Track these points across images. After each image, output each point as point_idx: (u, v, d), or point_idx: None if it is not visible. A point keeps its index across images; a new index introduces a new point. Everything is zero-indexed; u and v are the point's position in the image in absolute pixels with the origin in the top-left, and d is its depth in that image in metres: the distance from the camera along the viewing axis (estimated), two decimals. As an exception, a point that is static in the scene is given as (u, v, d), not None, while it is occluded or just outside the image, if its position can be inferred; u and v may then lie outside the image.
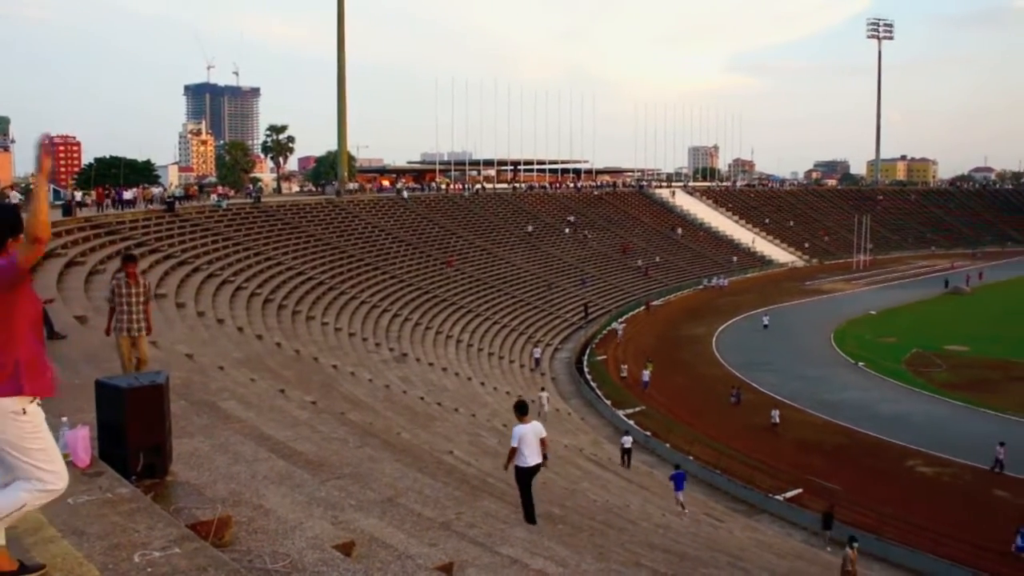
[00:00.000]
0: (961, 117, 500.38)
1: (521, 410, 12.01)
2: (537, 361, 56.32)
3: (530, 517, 11.48)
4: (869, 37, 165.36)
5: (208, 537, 5.78)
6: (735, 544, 21.51)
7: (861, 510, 30.75)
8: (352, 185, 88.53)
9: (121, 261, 12.77)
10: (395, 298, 54.78)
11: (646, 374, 49.89)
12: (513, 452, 11.47)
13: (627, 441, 35.00)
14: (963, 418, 44.05)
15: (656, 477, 33.02)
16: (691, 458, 36.79)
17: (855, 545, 21.28)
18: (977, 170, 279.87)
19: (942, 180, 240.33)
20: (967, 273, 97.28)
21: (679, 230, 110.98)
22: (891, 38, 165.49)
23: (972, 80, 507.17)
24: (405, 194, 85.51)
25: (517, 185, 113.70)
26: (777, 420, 41.93)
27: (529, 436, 11.45)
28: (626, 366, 50.02)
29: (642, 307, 76.00)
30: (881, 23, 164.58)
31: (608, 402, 46.35)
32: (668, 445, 38.86)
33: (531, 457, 11.43)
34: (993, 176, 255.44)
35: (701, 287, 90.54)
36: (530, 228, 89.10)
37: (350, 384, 26.14)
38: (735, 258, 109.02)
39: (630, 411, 44.63)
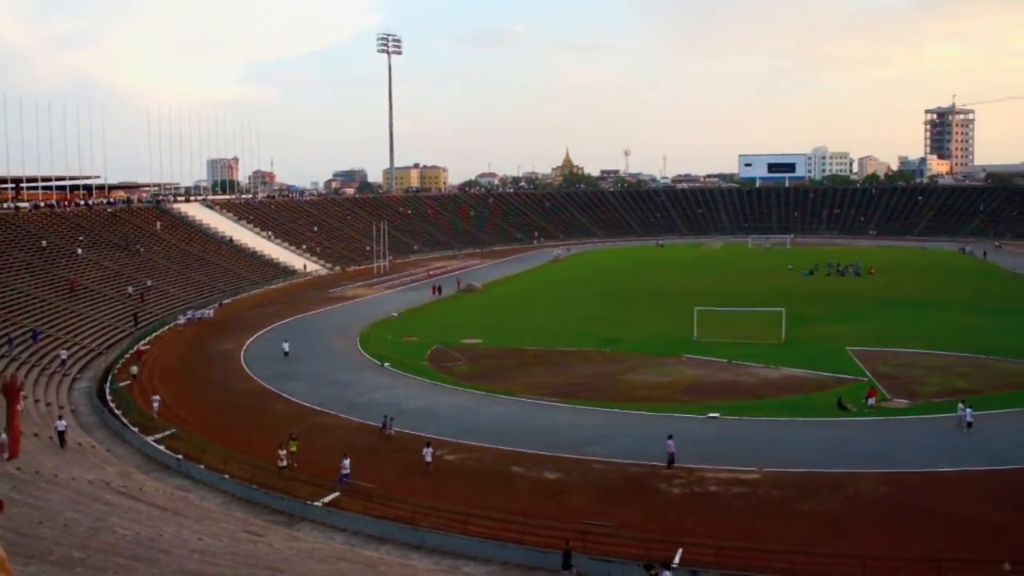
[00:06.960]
0: (468, 127, 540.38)
1: None
2: (64, 362, 55.80)
3: None
4: (380, 51, 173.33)
5: None
6: (276, 556, 21.28)
7: (396, 504, 31.92)
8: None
9: None
10: None
11: (346, 463, 35.32)
12: None
13: (60, 425, 37.36)
14: (482, 405, 47.73)
15: (191, 500, 31.74)
16: (227, 476, 35.85)
17: None
18: (483, 175, 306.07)
19: (452, 186, 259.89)
20: (457, 278, 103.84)
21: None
22: (400, 53, 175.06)
23: (478, 93, 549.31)
24: None
25: (21, 204, 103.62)
26: (430, 459, 36.51)
27: None
28: (284, 452, 39.07)
29: (168, 326, 71.87)
30: (391, 38, 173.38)
31: (135, 429, 43.62)
32: (203, 467, 37.50)
33: None
34: (496, 181, 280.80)
35: (183, 322, 76.52)
36: (43, 244, 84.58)
37: None
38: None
39: (159, 436, 42.38)
